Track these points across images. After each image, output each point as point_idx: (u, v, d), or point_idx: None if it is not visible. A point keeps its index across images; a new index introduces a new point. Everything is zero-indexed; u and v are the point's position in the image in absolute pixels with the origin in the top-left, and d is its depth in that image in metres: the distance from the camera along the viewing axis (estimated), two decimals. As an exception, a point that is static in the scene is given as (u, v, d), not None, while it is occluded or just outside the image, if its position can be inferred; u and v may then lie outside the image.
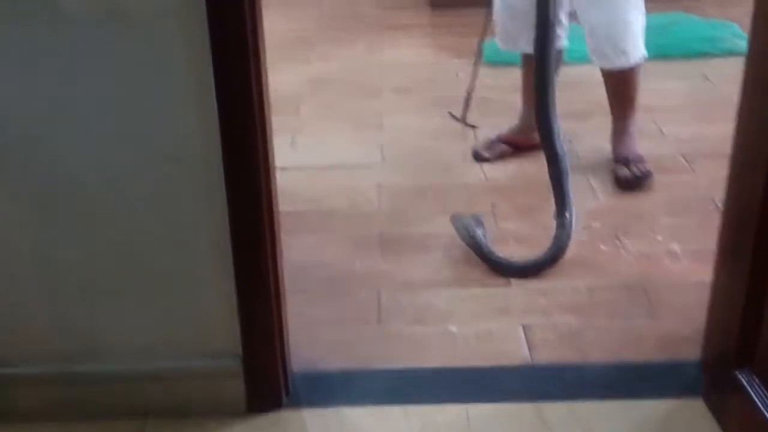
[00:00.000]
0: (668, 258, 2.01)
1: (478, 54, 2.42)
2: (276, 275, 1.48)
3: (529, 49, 2.36)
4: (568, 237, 1.99)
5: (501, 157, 2.52)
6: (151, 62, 1.27)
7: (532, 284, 1.92)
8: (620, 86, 2.39)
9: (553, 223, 2.01)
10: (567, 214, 2.01)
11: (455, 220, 2.07)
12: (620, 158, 2.37)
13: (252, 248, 1.40)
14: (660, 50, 2.87)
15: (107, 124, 1.31)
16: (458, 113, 2.72)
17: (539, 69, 2.03)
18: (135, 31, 1.24)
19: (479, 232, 2.02)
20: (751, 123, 1.37)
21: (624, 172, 2.34)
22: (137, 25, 1.24)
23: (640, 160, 2.35)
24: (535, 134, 2.51)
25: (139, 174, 1.34)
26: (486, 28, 2.65)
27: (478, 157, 2.51)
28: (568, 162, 2.05)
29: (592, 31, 2.30)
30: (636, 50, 2.30)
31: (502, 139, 2.54)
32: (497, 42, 2.47)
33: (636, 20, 2.28)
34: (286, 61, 3.30)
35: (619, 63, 2.31)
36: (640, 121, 2.62)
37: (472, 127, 2.47)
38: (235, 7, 1.22)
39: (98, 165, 1.33)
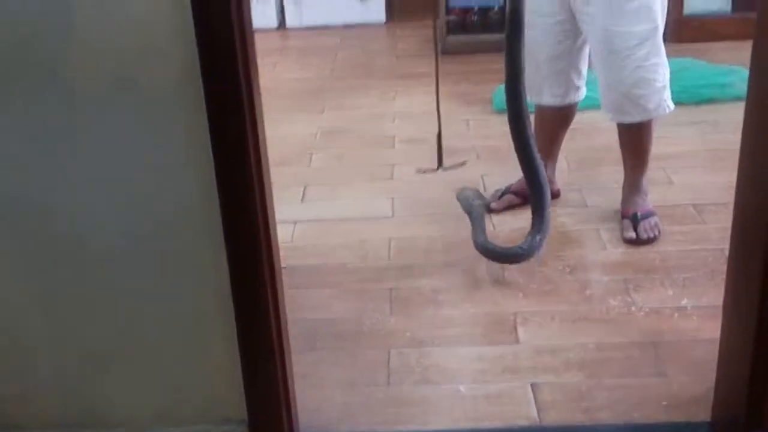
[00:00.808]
0: (678, 314, 2.00)
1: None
2: (280, 336, 1.48)
3: (551, 101, 2.39)
4: (528, 253, 2.11)
5: (509, 207, 2.53)
6: (151, 129, 1.29)
7: (541, 341, 1.92)
8: (636, 140, 2.36)
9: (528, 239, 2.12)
10: (538, 237, 2.10)
11: (460, 193, 2.28)
12: (629, 215, 2.36)
13: (253, 310, 1.41)
14: (672, 97, 2.88)
15: (109, 190, 1.34)
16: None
17: (513, 101, 2.01)
18: (136, 100, 1.27)
19: (477, 203, 2.27)
20: (752, 172, 1.37)
21: (630, 234, 2.32)
22: (138, 94, 1.27)
23: (649, 217, 2.34)
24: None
25: (140, 241, 1.37)
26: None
27: (487, 209, 2.52)
28: (547, 189, 2.12)
29: (613, 91, 2.26)
30: (660, 107, 2.26)
31: (510, 190, 2.55)
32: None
33: (661, 75, 2.23)
34: (301, 111, 3.36)
35: (639, 117, 2.27)
36: (650, 170, 2.64)
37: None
38: (231, 76, 1.24)
39: (99, 231, 1.36)
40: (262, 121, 1.35)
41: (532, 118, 2.45)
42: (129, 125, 1.30)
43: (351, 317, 2.03)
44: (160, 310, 1.42)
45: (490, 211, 2.51)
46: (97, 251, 1.37)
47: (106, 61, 1.25)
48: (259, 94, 1.33)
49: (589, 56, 2.36)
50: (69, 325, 1.41)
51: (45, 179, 1.32)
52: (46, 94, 1.26)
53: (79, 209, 1.35)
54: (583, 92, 2.44)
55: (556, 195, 2.55)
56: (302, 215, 2.52)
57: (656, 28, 2.19)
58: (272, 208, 1.42)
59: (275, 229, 1.44)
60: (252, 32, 1.27)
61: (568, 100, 2.42)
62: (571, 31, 2.30)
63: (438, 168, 2.22)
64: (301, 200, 2.64)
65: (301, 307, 2.01)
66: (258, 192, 1.36)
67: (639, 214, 2.35)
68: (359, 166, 2.89)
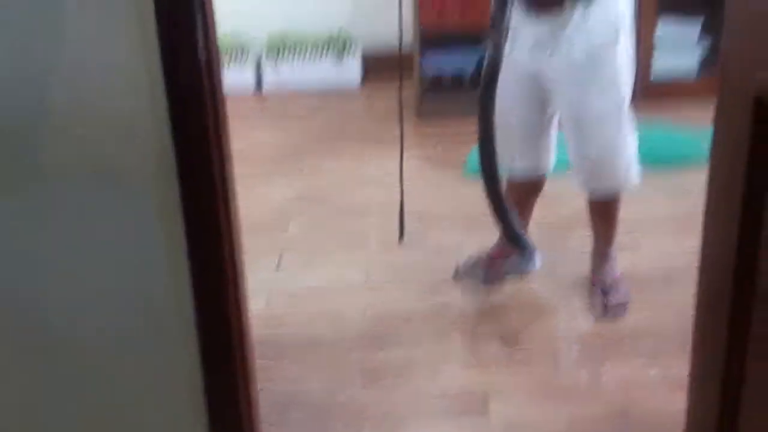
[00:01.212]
0: (649, 384, 2.04)
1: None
2: (250, 414, 1.50)
3: (523, 171, 2.43)
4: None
5: None
6: (127, 215, 1.32)
7: (513, 414, 1.94)
8: (605, 210, 2.42)
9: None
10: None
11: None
12: (597, 283, 2.42)
13: (224, 389, 1.43)
14: (640, 161, 2.95)
15: (83, 276, 1.35)
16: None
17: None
18: (111, 187, 1.30)
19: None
20: (715, 239, 1.39)
21: (598, 303, 2.37)
22: (113, 181, 1.29)
23: (618, 285, 2.40)
24: (498, 247, 2.57)
25: (110, 328, 1.38)
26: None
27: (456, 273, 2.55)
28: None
29: (582, 161, 2.29)
30: (629, 179, 2.31)
31: (486, 257, 2.59)
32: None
33: (629, 146, 2.28)
34: (278, 175, 3.40)
35: (611, 190, 2.33)
36: (618, 234, 2.69)
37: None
38: (205, 171, 1.28)
39: (69, 318, 1.37)
40: (237, 211, 1.39)
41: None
42: (101, 211, 1.32)
43: (324, 390, 2.05)
44: (128, 392, 1.43)
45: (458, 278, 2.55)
46: (68, 338, 1.38)
47: (84, 151, 1.27)
48: (234, 191, 1.37)
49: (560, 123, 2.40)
50: (37, 415, 1.42)
51: (14, 269, 1.34)
52: (19, 183, 1.29)
53: (53, 295, 1.36)
54: (553, 161, 2.48)
55: (488, 261, 2.57)
56: (277, 284, 2.54)
57: (624, 99, 2.23)
58: (244, 294, 1.45)
59: (247, 314, 1.47)
60: (227, 129, 1.32)
61: (539, 170, 2.47)
62: (542, 100, 2.32)
63: (400, 239, 2.22)
64: (277, 268, 2.67)
65: (274, 379, 2.02)
66: (231, 277, 1.39)
67: (608, 282, 2.40)
68: (335, 232, 2.93)
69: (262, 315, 2.31)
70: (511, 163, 2.43)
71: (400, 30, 2.18)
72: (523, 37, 2.19)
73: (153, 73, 1.19)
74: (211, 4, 1.25)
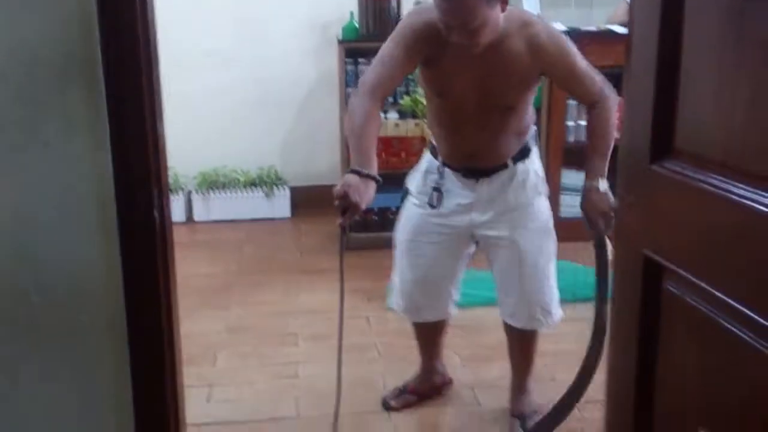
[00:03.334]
0: None
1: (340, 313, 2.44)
2: None
3: (432, 318, 2.57)
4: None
5: (407, 406, 2.67)
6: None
7: None
8: (528, 345, 2.57)
9: None
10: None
11: None
12: (517, 414, 2.55)
13: None
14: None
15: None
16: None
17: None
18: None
19: None
20: (618, 367, 1.53)
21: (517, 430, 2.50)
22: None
23: (536, 415, 2.54)
24: (437, 378, 2.70)
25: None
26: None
27: (387, 407, 2.65)
28: None
29: (520, 298, 2.45)
30: (557, 311, 2.50)
31: (408, 390, 2.70)
32: (397, 308, 2.62)
33: (555, 282, 2.49)
34: (207, 307, 3.46)
35: (547, 325, 2.50)
36: (538, 368, 2.85)
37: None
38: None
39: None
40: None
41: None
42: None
43: None
44: None
45: (388, 408, 2.64)
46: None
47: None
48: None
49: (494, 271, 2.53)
50: None
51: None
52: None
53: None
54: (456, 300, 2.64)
55: (449, 382, 2.74)
56: (208, 417, 2.57)
57: (555, 242, 2.47)
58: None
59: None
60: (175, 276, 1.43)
61: (448, 313, 2.63)
62: (460, 251, 2.51)
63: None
64: (207, 401, 2.70)
65: None
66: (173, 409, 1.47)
67: (526, 414, 2.53)
68: (264, 364, 2.99)
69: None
70: (418, 313, 2.59)
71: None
72: (454, 197, 2.41)
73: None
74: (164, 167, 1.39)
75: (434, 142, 2.47)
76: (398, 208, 4.38)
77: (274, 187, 4.83)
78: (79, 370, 1.34)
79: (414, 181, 2.54)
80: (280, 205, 4.85)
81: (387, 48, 2.23)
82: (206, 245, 4.33)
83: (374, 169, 2.09)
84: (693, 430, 1.13)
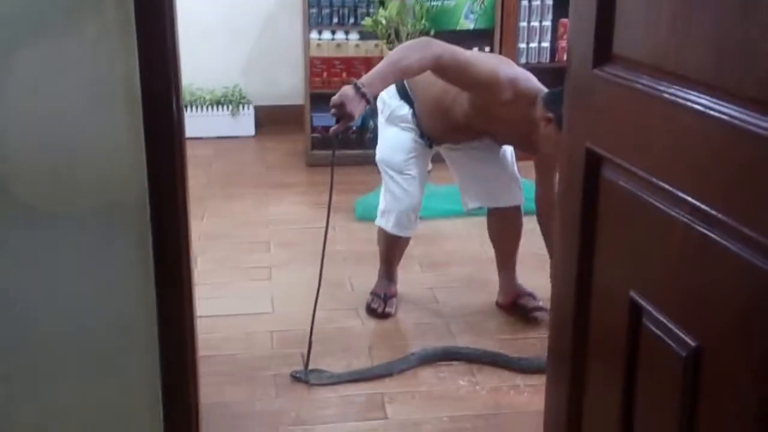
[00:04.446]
0: (514, 390, 2.43)
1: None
2: (197, 416, 1.77)
3: (414, 230, 2.87)
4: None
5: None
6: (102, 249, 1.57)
7: (405, 416, 2.29)
8: (517, 221, 2.87)
9: None
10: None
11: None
12: (525, 292, 2.86)
13: (179, 390, 1.70)
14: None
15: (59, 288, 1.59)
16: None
17: None
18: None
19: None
20: (560, 276, 1.79)
21: (535, 303, 2.81)
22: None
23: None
24: (393, 286, 2.94)
25: (81, 335, 1.62)
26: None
27: (386, 315, 2.84)
28: None
29: (494, 180, 2.79)
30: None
31: (390, 294, 2.90)
32: (386, 226, 2.82)
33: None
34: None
35: (520, 198, 2.83)
36: (487, 272, 3.14)
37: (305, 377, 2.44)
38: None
39: (51, 325, 1.61)
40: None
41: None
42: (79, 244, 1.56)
43: (242, 400, 2.33)
44: (94, 391, 1.67)
45: (386, 315, 2.84)
46: (47, 341, 1.61)
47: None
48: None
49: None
50: (13, 407, 1.63)
51: (4, 283, 1.57)
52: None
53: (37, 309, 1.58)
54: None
55: (394, 295, 2.92)
56: (191, 312, 2.79)
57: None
58: (194, 312, 1.73)
59: (195, 329, 1.76)
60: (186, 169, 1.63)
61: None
62: (426, 166, 2.85)
63: (306, 369, 2.43)
64: (189, 299, 2.92)
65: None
66: (187, 297, 1.68)
67: (527, 289, 2.87)
68: (240, 268, 3.22)
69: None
70: (407, 230, 2.83)
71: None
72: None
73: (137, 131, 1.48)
74: (179, 67, 1.57)
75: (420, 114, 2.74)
76: (359, 127, 4.60)
77: (239, 106, 4.97)
78: (107, 245, 1.54)
79: (396, 112, 2.78)
80: (245, 123, 5.00)
81: (479, 63, 2.48)
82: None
83: (373, 95, 2.36)
84: (625, 293, 1.38)
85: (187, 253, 1.61)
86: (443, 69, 2.42)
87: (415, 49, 2.40)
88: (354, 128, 4.54)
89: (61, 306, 1.59)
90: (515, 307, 2.88)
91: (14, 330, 1.59)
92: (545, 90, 2.55)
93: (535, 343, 2.66)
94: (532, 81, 2.58)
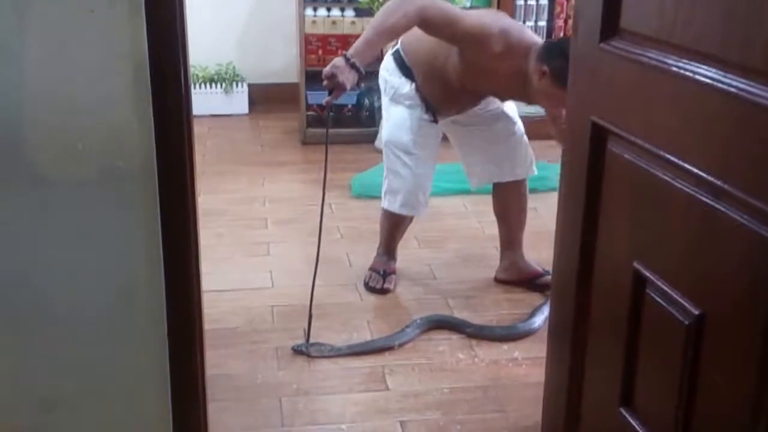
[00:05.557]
0: (512, 363, 2.47)
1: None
2: (203, 385, 1.79)
3: (424, 209, 2.87)
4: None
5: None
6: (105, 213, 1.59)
7: (406, 387, 2.33)
8: (522, 194, 2.90)
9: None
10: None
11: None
12: (540, 271, 2.88)
13: (186, 361, 1.72)
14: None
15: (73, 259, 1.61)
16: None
17: None
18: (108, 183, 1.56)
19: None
20: (563, 248, 1.83)
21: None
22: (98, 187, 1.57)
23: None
24: (393, 263, 2.96)
25: (90, 302, 1.63)
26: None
27: (386, 291, 2.85)
28: None
29: (498, 155, 2.81)
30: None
31: (389, 271, 2.91)
32: (392, 207, 2.83)
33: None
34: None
35: (531, 170, 2.87)
36: (486, 248, 3.17)
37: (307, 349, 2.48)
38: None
39: (59, 292, 1.62)
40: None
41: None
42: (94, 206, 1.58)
43: (245, 372, 2.36)
44: (103, 357, 1.69)
45: (385, 291, 2.85)
46: (57, 308, 1.63)
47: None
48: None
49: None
50: (24, 371, 1.65)
51: (14, 250, 1.59)
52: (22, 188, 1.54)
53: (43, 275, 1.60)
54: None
55: (393, 271, 2.92)
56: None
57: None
58: (200, 284, 1.75)
59: (201, 300, 1.78)
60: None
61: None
62: (438, 144, 2.85)
63: (307, 342, 2.46)
64: (189, 274, 2.94)
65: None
66: (195, 270, 1.70)
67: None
68: (239, 243, 3.24)
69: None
70: (416, 209, 2.83)
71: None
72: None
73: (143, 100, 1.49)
74: (186, 40, 1.58)
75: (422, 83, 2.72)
76: (355, 106, 4.61)
77: (233, 84, 4.96)
78: (117, 208, 1.56)
79: (399, 90, 2.76)
80: (239, 101, 4.99)
81: (467, 13, 2.46)
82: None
83: (362, 64, 2.35)
84: (629, 264, 1.41)
85: (194, 221, 1.63)
86: (430, 21, 2.38)
87: (395, 7, 2.37)
88: (349, 106, 4.59)
89: (70, 274, 1.60)
90: (531, 287, 2.88)
91: (22, 298, 1.60)
92: (540, 42, 2.52)
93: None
94: (526, 33, 2.53)
